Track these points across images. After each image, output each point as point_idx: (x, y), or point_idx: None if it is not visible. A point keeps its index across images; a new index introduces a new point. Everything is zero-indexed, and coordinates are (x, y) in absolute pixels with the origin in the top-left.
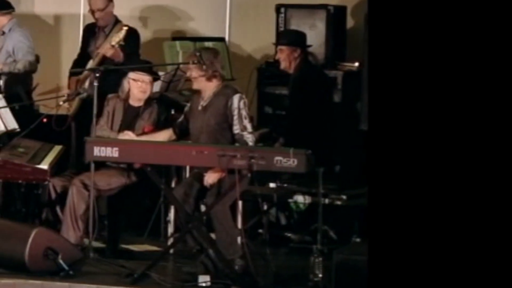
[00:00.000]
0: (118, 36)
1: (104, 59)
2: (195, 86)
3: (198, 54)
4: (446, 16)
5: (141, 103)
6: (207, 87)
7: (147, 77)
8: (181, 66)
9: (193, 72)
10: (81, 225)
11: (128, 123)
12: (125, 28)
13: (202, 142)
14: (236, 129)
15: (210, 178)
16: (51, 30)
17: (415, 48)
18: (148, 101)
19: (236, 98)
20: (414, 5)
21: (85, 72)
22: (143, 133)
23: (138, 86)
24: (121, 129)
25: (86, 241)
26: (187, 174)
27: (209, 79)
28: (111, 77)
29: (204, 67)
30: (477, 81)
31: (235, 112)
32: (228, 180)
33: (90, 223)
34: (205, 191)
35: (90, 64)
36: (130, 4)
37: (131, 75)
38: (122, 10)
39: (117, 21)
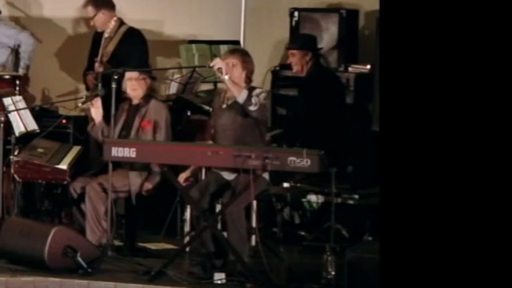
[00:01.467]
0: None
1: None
2: (225, 86)
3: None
4: (456, 19)
5: (138, 101)
6: (238, 89)
7: (134, 74)
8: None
9: (236, 69)
10: (104, 226)
11: (128, 121)
12: (126, 25)
13: (226, 142)
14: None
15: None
16: (71, 33)
17: (425, 51)
18: (146, 99)
19: (258, 89)
20: (425, 9)
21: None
22: (143, 130)
23: (129, 85)
24: (123, 129)
25: (103, 240)
26: (203, 174)
27: (246, 81)
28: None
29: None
30: (487, 83)
31: (255, 94)
32: (244, 181)
33: (108, 222)
34: (221, 192)
35: (96, 67)
36: (147, 8)
37: (126, 75)
38: (139, 14)
39: (121, 24)
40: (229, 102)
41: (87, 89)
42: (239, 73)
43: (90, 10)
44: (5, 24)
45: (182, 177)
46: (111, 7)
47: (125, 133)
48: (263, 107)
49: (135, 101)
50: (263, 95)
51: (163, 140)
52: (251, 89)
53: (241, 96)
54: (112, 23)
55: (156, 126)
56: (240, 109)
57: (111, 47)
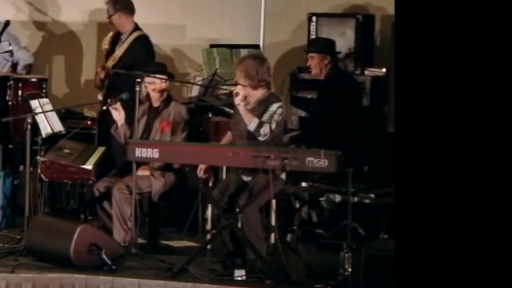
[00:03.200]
0: (106, 39)
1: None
2: (241, 92)
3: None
4: (468, 24)
5: (158, 103)
6: (253, 95)
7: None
8: (220, 72)
9: (240, 80)
10: (129, 225)
11: (149, 123)
12: (111, 33)
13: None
14: (263, 119)
15: None
16: (94, 38)
17: (439, 54)
18: (167, 101)
19: (275, 104)
20: (438, 14)
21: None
22: (162, 131)
23: (151, 88)
24: (144, 131)
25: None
26: (224, 174)
27: (255, 88)
28: (124, 81)
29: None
30: (501, 86)
31: (269, 113)
32: (261, 182)
33: (132, 221)
34: (239, 192)
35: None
36: (169, 13)
37: (146, 79)
38: (162, 19)
39: (135, 29)
40: (248, 107)
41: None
42: (243, 82)
43: (109, 9)
44: (5, 41)
45: (201, 168)
46: (130, 11)
47: (146, 135)
48: (279, 124)
49: (156, 104)
50: (279, 111)
51: (181, 141)
52: (268, 104)
53: (251, 126)
54: (128, 28)
55: (175, 128)
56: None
57: (119, 52)
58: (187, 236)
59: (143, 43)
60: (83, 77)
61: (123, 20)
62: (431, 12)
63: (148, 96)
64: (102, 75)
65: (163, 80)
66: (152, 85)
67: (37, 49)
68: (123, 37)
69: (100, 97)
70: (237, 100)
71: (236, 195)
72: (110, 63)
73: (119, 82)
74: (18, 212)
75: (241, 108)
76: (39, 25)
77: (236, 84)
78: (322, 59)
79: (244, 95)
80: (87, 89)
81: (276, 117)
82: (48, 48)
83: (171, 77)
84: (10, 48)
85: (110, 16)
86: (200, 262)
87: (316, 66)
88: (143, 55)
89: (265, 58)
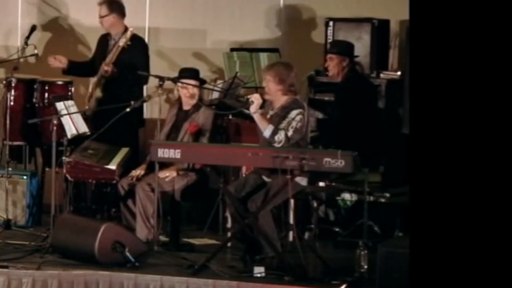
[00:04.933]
0: (125, 37)
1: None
2: (267, 97)
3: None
4: (481, 27)
5: (189, 107)
6: (278, 100)
7: (192, 82)
8: (240, 75)
9: (270, 84)
10: (153, 223)
11: (177, 126)
12: (131, 30)
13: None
14: (280, 125)
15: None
16: None
17: (452, 58)
18: (197, 105)
19: (295, 111)
20: (451, 19)
21: (94, 80)
22: (190, 133)
23: (184, 92)
24: (171, 132)
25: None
26: (244, 174)
27: (284, 93)
28: (122, 83)
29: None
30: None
31: (287, 120)
32: (279, 183)
33: (155, 219)
34: (256, 192)
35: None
36: (191, 18)
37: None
38: (184, 23)
39: (126, 30)
40: (271, 114)
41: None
42: (274, 88)
43: (103, 10)
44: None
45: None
46: (123, 13)
47: (174, 136)
48: (297, 131)
49: (186, 107)
50: (298, 118)
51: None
52: (289, 111)
53: (266, 132)
54: (120, 29)
55: (202, 130)
56: (275, 123)
57: (116, 52)
58: (208, 234)
59: (140, 40)
60: None
61: (117, 21)
62: (444, 17)
63: (179, 99)
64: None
65: (194, 86)
66: (185, 90)
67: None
68: (115, 37)
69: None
70: (253, 109)
71: (251, 194)
72: (109, 66)
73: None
74: (44, 211)
75: (257, 116)
76: (58, 28)
77: (257, 90)
78: (341, 61)
79: (259, 104)
80: None
81: (294, 124)
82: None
83: (203, 83)
84: (36, 52)
85: (103, 16)
86: (220, 259)
87: (335, 67)
88: (141, 53)
89: (293, 65)
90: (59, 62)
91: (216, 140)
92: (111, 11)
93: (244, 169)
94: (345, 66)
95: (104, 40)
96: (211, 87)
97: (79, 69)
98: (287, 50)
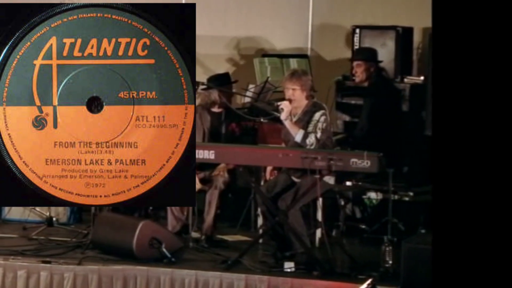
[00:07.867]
0: None
1: None
2: (294, 104)
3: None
4: (502, 33)
5: (221, 109)
6: (299, 106)
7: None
8: (271, 80)
9: (298, 92)
10: (183, 218)
11: (215, 127)
12: None
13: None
14: (308, 129)
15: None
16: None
17: (473, 63)
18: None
19: (318, 113)
20: (472, 26)
21: None
22: (233, 132)
23: (215, 97)
24: (210, 134)
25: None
26: (268, 178)
27: (307, 97)
28: None
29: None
30: None
31: (313, 122)
32: (305, 183)
33: (190, 217)
34: (285, 191)
35: None
36: (225, 26)
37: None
38: (217, 32)
39: None
40: (295, 119)
41: None
42: (300, 95)
43: None
44: None
45: (269, 169)
46: None
47: (213, 138)
48: (324, 131)
49: (217, 110)
50: (322, 119)
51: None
52: (312, 114)
53: (297, 137)
54: None
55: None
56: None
57: None
58: (240, 230)
59: None
60: None
61: None
62: (465, 25)
63: (214, 102)
64: None
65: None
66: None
67: None
68: None
69: None
70: (283, 116)
71: (282, 194)
72: None
73: None
74: (85, 209)
75: (287, 123)
76: None
77: (282, 99)
78: (368, 67)
79: (289, 111)
80: None
81: (320, 125)
82: None
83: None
84: None
85: None
86: (252, 255)
87: (363, 73)
88: None
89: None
90: None
91: (248, 141)
92: None
93: (268, 173)
94: (372, 71)
95: None
96: (238, 93)
97: None
98: (315, 56)
